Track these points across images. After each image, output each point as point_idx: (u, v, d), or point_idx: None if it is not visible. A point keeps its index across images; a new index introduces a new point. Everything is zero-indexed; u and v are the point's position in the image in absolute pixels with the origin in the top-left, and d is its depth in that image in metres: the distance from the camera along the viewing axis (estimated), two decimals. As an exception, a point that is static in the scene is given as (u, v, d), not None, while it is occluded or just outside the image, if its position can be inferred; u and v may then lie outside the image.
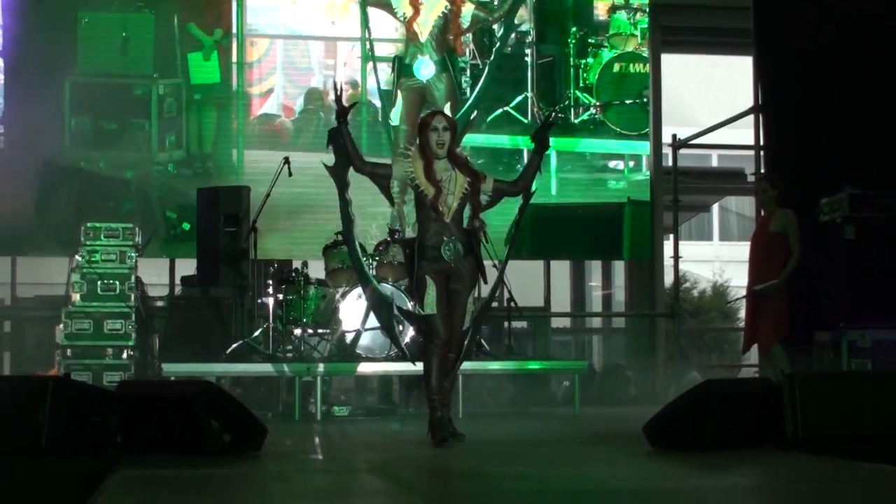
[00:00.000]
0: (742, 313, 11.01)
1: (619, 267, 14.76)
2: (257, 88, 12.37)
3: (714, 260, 24.08)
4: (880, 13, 10.57)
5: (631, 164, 12.93)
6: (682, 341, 12.78)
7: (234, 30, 12.32)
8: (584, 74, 12.81)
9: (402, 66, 12.15)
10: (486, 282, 7.16)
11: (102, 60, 12.04)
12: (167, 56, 12.13)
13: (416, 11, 12.07)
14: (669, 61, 13.89)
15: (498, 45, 12.47)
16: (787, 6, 10.99)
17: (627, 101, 12.86)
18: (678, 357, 12.41)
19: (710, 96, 24.28)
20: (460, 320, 6.91)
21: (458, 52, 12.22)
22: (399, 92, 12.13)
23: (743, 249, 10.06)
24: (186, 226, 11.77)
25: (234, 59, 12.32)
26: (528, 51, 12.76)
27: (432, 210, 6.84)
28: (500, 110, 12.54)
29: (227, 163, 12.19)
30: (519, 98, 12.62)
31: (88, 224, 10.26)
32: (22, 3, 12.01)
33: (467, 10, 12.19)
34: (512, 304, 10.46)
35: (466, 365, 9.22)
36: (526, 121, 12.51)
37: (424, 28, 12.07)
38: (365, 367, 9.56)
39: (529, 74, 12.69)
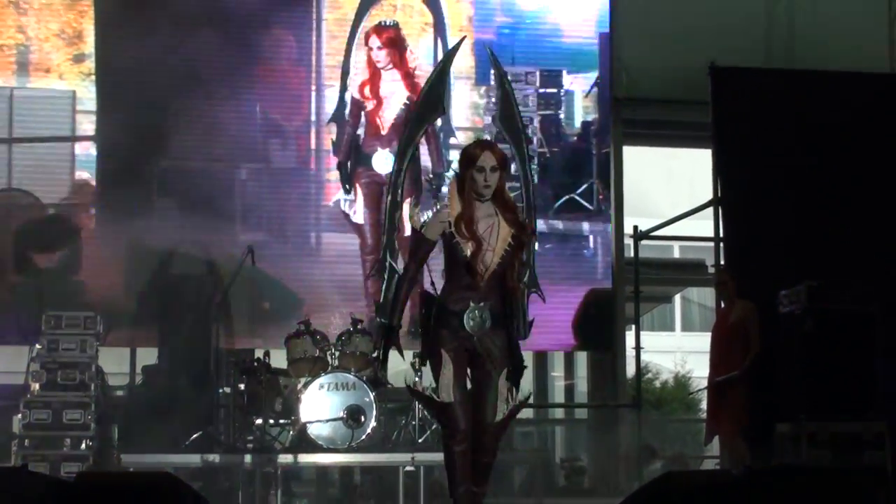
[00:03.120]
0: (704, 404, 11.05)
1: (581, 357, 14.76)
2: (334, 174, 12.47)
3: (676, 350, 24.15)
4: (837, 108, 10.80)
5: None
6: (645, 433, 12.77)
7: (313, 117, 12.53)
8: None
9: (359, 156, 12.25)
10: (518, 363, 5.85)
11: (189, 145, 12.19)
12: (249, 142, 12.35)
13: (380, 103, 12.23)
14: (631, 153, 14.05)
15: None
16: (745, 101, 11.17)
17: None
18: (641, 448, 12.39)
19: (672, 188, 24.51)
20: (492, 409, 5.71)
21: (417, 141, 12.31)
22: (358, 186, 12.23)
23: (705, 340, 10.12)
24: (266, 304, 11.85)
25: (313, 145, 12.51)
26: (593, 140, 13.01)
27: (466, 270, 5.67)
28: (566, 197, 12.74)
29: (306, 244, 12.35)
30: (584, 186, 12.86)
31: (50, 312, 10.20)
32: (116, 87, 12.16)
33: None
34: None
35: (427, 455, 9.26)
36: (591, 207, 12.77)
37: (387, 120, 12.23)
38: (326, 458, 9.51)
39: (595, 162, 12.96)
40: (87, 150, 12.12)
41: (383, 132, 12.23)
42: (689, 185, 21.49)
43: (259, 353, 10.29)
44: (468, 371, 5.76)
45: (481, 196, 5.67)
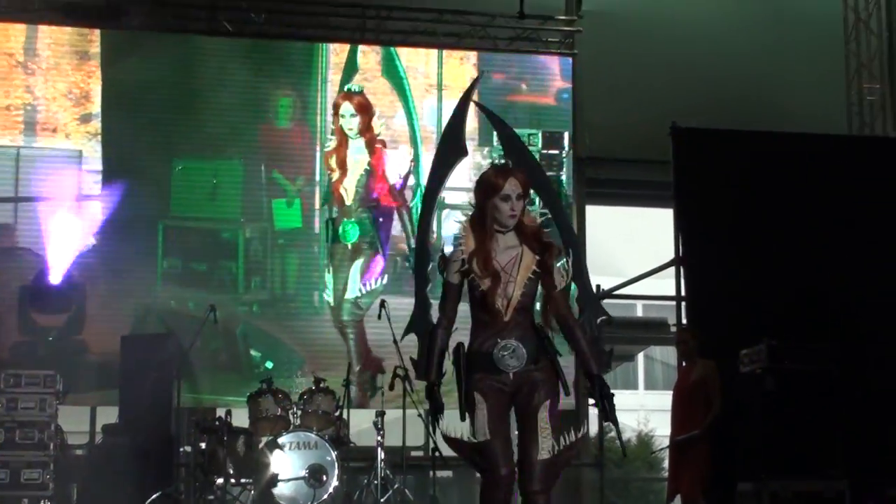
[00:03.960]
0: (667, 463, 11.06)
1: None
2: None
3: (639, 409, 24.15)
4: (796, 168, 10.93)
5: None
6: (608, 491, 12.76)
7: (317, 178, 12.66)
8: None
9: (334, 231, 12.43)
10: (567, 392, 5.21)
11: (193, 205, 12.31)
12: (254, 201, 12.47)
13: (344, 173, 12.36)
14: (594, 212, 14.13)
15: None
16: (706, 161, 11.27)
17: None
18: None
19: (635, 247, 24.64)
20: (536, 442, 4.99)
21: (382, 202, 12.44)
22: (330, 261, 12.39)
23: (668, 398, 10.13)
24: (269, 364, 11.91)
25: (317, 206, 12.61)
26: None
27: (484, 306, 5.09)
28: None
29: (310, 304, 12.46)
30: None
31: (9, 371, 10.12)
32: (122, 147, 12.27)
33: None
34: (436, 452, 10.38)
35: (390, 516, 9.22)
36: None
37: (350, 190, 12.35)
38: (288, 518, 9.45)
39: None
40: (92, 209, 12.13)
41: (347, 202, 12.40)
42: (652, 244, 21.65)
43: (221, 412, 10.23)
44: (513, 409, 5.13)
45: (505, 226, 5.10)
